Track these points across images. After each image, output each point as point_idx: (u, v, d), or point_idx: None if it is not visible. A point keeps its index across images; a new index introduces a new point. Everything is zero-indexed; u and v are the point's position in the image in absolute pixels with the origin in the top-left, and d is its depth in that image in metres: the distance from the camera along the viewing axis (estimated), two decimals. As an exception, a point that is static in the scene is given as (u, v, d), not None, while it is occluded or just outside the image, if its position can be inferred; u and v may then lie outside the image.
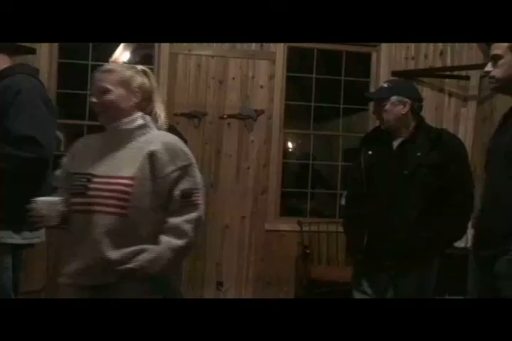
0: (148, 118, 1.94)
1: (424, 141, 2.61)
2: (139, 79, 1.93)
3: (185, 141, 3.73)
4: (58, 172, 2.02)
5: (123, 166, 1.84)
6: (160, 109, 1.99)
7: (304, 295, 4.52)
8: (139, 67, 2.00)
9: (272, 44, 4.62)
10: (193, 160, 1.91)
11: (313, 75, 4.89)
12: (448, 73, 4.88)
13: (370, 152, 2.70)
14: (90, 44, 4.43)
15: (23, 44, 4.03)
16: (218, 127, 4.58)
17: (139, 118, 1.91)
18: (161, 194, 1.84)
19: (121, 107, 1.88)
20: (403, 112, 2.63)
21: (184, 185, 1.84)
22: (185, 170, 1.86)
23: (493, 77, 2.07)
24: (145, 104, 1.95)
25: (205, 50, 4.55)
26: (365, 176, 2.67)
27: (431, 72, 4.87)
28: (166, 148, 1.86)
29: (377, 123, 2.79)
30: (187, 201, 1.84)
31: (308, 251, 4.57)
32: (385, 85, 2.74)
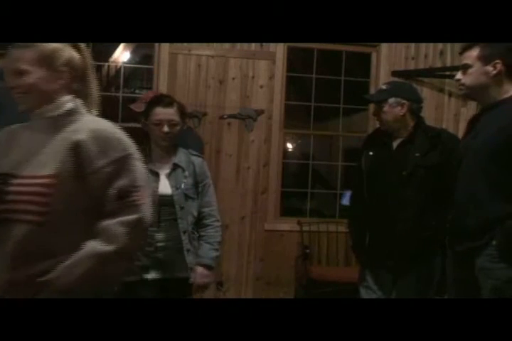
0: (79, 101, 1.58)
1: (423, 141, 2.62)
2: (66, 55, 1.57)
3: (202, 143, 3.75)
4: None
5: (46, 163, 1.48)
6: (95, 91, 1.64)
7: (304, 295, 4.53)
8: None
9: (271, 44, 4.62)
10: (132, 151, 1.53)
11: (313, 75, 4.89)
12: (448, 73, 4.88)
13: (371, 153, 2.73)
14: (90, 44, 4.43)
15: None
16: (218, 127, 4.58)
17: (67, 103, 1.55)
18: (93, 194, 1.48)
19: (43, 91, 1.53)
20: (401, 113, 2.65)
21: (120, 182, 1.48)
22: (120, 163, 1.49)
23: (463, 85, 2.23)
24: (76, 85, 1.59)
25: (205, 50, 4.55)
26: (366, 177, 2.69)
27: (431, 72, 4.87)
28: (95, 137, 1.49)
29: (378, 123, 2.81)
30: (125, 202, 1.48)
31: (308, 251, 4.57)
32: (384, 87, 2.76)
